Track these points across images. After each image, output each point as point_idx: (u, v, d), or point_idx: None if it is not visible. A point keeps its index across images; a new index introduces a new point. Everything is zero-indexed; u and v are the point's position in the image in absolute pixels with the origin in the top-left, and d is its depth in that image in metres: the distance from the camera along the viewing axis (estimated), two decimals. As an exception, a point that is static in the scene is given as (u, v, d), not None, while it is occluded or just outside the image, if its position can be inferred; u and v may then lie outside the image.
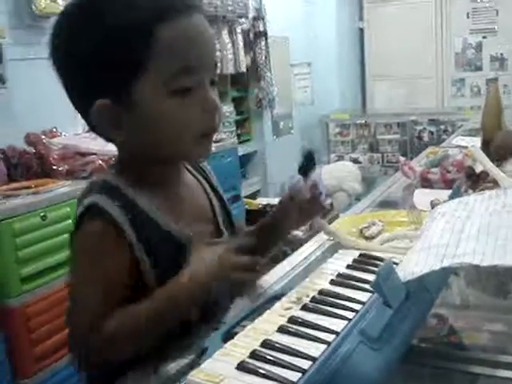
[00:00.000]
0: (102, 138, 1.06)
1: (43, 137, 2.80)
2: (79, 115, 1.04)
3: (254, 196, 4.81)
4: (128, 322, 0.96)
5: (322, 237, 1.49)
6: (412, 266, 0.75)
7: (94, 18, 0.94)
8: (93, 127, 1.03)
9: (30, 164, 2.71)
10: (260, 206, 4.31)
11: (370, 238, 1.39)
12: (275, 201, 4.39)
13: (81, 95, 0.99)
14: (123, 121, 0.97)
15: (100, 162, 2.65)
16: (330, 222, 1.48)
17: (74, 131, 2.87)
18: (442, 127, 5.96)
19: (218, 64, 0.96)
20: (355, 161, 6.14)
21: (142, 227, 0.99)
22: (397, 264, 0.80)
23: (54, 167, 2.68)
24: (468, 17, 6.34)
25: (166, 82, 0.95)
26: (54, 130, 2.93)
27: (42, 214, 2.36)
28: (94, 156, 2.69)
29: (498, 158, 1.71)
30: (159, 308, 0.96)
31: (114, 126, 0.98)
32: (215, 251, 0.99)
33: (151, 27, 0.92)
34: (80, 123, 0.93)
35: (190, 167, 1.17)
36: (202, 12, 1.00)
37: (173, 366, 0.93)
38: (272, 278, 1.25)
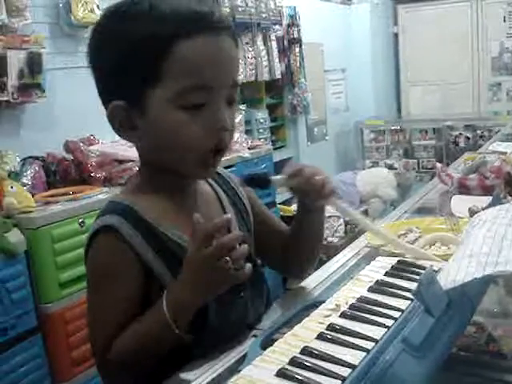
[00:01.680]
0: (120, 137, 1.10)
1: (81, 144, 2.85)
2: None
3: (288, 202, 4.81)
4: (127, 348, 0.99)
5: (358, 243, 1.49)
6: (453, 274, 0.74)
7: (122, 25, 0.99)
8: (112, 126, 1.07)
9: (69, 171, 2.75)
10: (294, 212, 4.29)
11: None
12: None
13: (105, 96, 1.04)
14: (137, 122, 1.01)
15: (137, 168, 2.67)
16: (364, 230, 1.47)
17: (111, 138, 2.90)
18: (479, 132, 5.88)
19: (239, 83, 0.98)
20: (390, 167, 6.10)
21: (158, 245, 1.02)
22: (437, 272, 0.79)
23: (92, 174, 2.72)
24: (505, 20, 6.26)
25: (176, 95, 0.97)
26: (92, 137, 2.98)
27: (80, 221, 2.39)
28: (131, 163, 2.72)
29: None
30: (151, 334, 0.98)
31: (128, 127, 1.02)
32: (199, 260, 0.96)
33: (170, 42, 0.95)
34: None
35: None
36: (231, 32, 1.03)
37: (211, 373, 0.94)
38: (310, 285, 1.26)
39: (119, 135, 1.06)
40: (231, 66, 1.04)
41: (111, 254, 1.02)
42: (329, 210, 4.20)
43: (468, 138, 5.94)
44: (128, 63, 0.97)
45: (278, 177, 1.11)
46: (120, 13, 1.00)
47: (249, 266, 0.95)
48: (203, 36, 0.97)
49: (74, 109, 2.90)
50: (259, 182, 1.07)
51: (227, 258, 0.91)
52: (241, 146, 3.49)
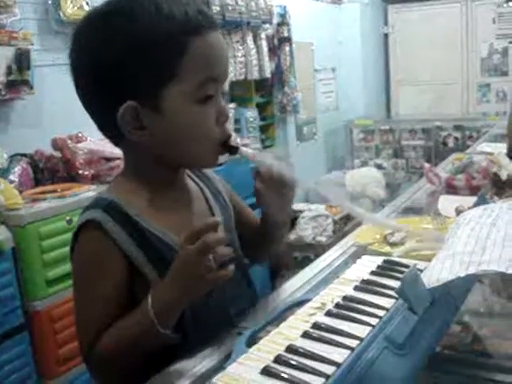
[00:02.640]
0: (110, 141, 1.12)
1: (69, 141, 2.83)
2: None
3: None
4: (112, 345, 0.99)
5: (345, 242, 1.49)
6: (437, 272, 0.75)
7: (130, 24, 0.98)
8: (102, 129, 1.08)
9: (57, 168, 2.74)
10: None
11: (393, 245, 1.39)
12: (299, 206, 4.39)
13: (107, 99, 1.02)
14: (148, 122, 1.01)
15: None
16: (353, 229, 1.47)
17: (99, 136, 2.88)
18: (467, 133, 5.90)
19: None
20: (379, 167, 6.11)
21: (140, 238, 1.03)
22: (421, 271, 0.80)
23: (80, 171, 2.71)
24: (494, 22, 6.28)
25: (193, 89, 1.00)
26: (80, 134, 2.96)
27: (67, 218, 2.38)
28: (118, 161, 2.71)
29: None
30: (136, 332, 0.98)
31: (138, 127, 1.02)
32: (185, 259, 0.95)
33: (186, 41, 0.98)
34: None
35: (191, 174, 1.21)
36: (218, 28, 1.07)
37: (196, 370, 0.94)
38: (296, 284, 1.26)
39: (127, 136, 1.04)
40: (228, 60, 1.11)
41: (95, 249, 1.02)
42: (316, 209, 4.19)
43: (457, 139, 5.97)
44: (141, 63, 0.98)
45: (249, 150, 1.12)
46: (121, 14, 1.00)
47: (232, 267, 0.94)
48: (209, 32, 1.01)
49: (62, 106, 2.88)
50: (230, 147, 1.09)
51: (210, 257, 0.91)
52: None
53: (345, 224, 4.03)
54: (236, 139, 1.16)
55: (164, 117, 1.01)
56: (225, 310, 1.11)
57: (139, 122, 1.01)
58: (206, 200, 1.20)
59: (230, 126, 1.09)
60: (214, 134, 1.05)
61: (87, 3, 3.02)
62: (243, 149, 1.10)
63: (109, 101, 1.01)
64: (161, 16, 0.98)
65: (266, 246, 1.32)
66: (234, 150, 1.08)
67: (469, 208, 1.06)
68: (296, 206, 4.41)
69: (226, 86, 3.50)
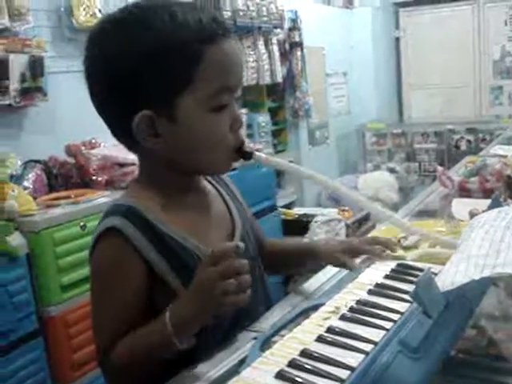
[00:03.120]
0: (125, 147, 1.12)
1: (83, 148, 2.85)
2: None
3: (289, 206, 4.81)
4: (127, 353, 0.99)
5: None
6: (451, 276, 0.74)
7: (145, 33, 0.99)
8: (117, 136, 1.09)
9: (70, 174, 2.76)
10: (296, 215, 4.30)
11: (407, 249, 1.38)
12: (312, 210, 4.39)
13: (123, 107, 1.02)
14: (162, 129, 1.02)
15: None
16: (366, 233, 1.47)
17: (112, 142, 2.90)
18: (480, 136, 5.87)
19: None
20: (392, 170, 6.09)
21: (161, 245, 1.03)
22: (435, 274, 0.79)
23: (94, 177, 2.73)
24: (506, 24, 6.25)
25: (208, 98, 1.01)
26: (94, 140, 2.98)
27: (81, 224, 2.39)
28: (132, 166, 2.72)
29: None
30: (151, 343, 0.97)
31: (153, 135, 1.02)
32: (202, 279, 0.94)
33: (201, 49, 0.99)
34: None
35: (209, 177, 1.22)
36: (233, 36, 1.08)
37: (211, 375, 0.94)
38: (310, 288, 1.26)
39: (142, 143, 1.05)
40: (242, 67, 1.12)
41: (115, 254, 1.03)
42: (329, 213, 4.18)
43: (469, 142, 5.94)
44: (157, 72, 0.98)
45: (263, 155, 1.13)
46: (137, 22, 1.00)
47: (249, 293, 0.93)
48: (224, 40, 1.02)
49: (75, 112, 2.90)
50: (244, 153, 1.09)
51: (232, 281, 0.90)
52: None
53: (357, 228, 4.02)
54: (249, 145, 1.16)
55: (179, 125, 1.01)
56: (241, 312, 1.11)
57: (154, 130, 1.02)
58: (225, 203, 1.21)
59: (242, 131, 1.09)
60: (228, 141, 1.05)
61: (100, 10, 3.04)
62: (257, 153, 1.10)
63: (124, 109, 1.02)
64: (175, 24, 0.98)
65: (288, 270, 1.38)
66: (248, 155, 1.09)
67: (483, 211, 1.06)
68: (308, 211, 4.41)
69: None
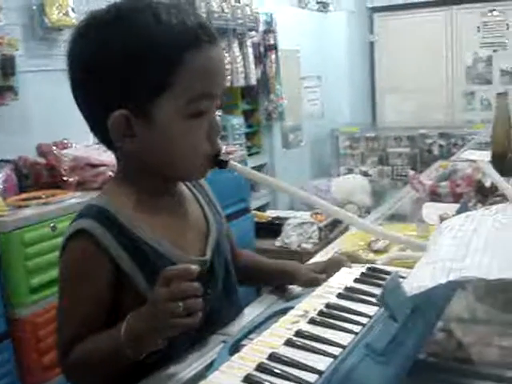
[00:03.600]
0: (103, 145, 1.10)
1: (54, 148, 2.82)
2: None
3: (263, 208, 4.81)
4: (85, 357, 0.99)
5: (330, 250, 1.49)
6: (418, 279, 0.75)
7: (126, 33, 0.98)
8: (96, 133, 1.07)
9: (41, 175, 2.73)
10: (269, 218, 4.31)
11: (377, 252, 1.39)
12: (284, 213, 4.39)
13: (100, 104, 1.02)
14: (138, 131, 1.01)
15: (110, 173, 2.65)
16: (338, 236, 1.48)
17: (84, 143, 2.88)
18: (452, 141, 5.94)
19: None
20: (365, 174, 6.13)
21: (132, 248, 1.02)
22: (403, 278, 0.80)
23: (65, 178, 2.70)
24: (478, 30, 6.33)
25: (186, 103, 1.00)
26: (65, 141, 2.95)
27: (51, 225, 2.36)
28: (104, 167, 2.70)
29: None
30: (107, 350, 0.96)
31: (127, 135, 1.02)
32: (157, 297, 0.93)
33: (182, 53, 0.98)
34: (91, 135, 0.95)
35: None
36: (219, 43, 1.06)
37: (179, 378, 0.93)
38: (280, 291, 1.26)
39: (116, 143, 1.05)
40: (225, 74, 1.11)
41: (82, 256, 1.02)
42: (302, 216, 4.18)
43: (442, 146, 6.00)
44: (135, 73, 0.98)
45: (238, 164, 1.13)
46: (120, 22, 1.00)
47: (199, 315, 0.91)
48: (207, 46, 1.01)
49: (47, 112, 2.88)
50: (220, 161, 1.09)
51: (180, 304, 0.89)
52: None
53: (330, 231, 4.03)
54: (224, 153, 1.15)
55: (154, 127, 1.01)
56: (210, 316, 1.11)
57: (130, 130, 1.01)
58: (200, 207, 1.20)
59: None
60: (204, 148, 1.05)
61: (73, 9, 3.01)
62: (232, 163, 1.09)
63: (101, 106, 1.01)
64: (158, 26, 0.98)
65: (255, 285, 1.38)
66: (223, 164, 1.08)
67: (453, 215, 1.07)
68: (281, 214, 4.42)
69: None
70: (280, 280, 1.29)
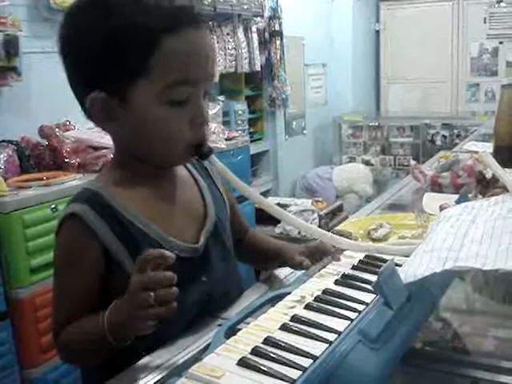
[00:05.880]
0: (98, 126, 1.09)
1: (57, 130, 2.82)
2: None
3: (264, 195, 4.82)
4: (73, 339, 1.01)
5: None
6: (414, 268, 0.75)
7: (105, 15, 0.97)
8: (89, 116, 1.06)
9: (43, 156, 2.73)
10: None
11: (377, 240, 1.39)
12: (285, 200, 4.40)
13: (82, 85, 1.02)
14: (117, 114, 1.01)
15: (111, 155, 2.65)
16: (338, 223, 1.48)
17: (86, 125, 2.88)
18: (456, 132, 5.94)
19: (216, 76, 0.99)
20: (367, 163, 6.14)
21: (122, 231, 1.02)
22: (400, 266, 0.80)
23: (66, 160, 2.70)
24: (485, 22, 6.30)
25: (162, 91, 0.98)
26: (68, 123, 2.95)
27: (52, 206, 2.37)
28: (106, 150, 2.70)
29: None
30: (92, 334, 0.97)
31: (107, 118, 1.01)
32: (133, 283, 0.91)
33: (158, 37, 0.95)
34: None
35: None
36: (207, 26, 1.04)
37: (175, 361, 0.94)
38: (279, 277, 1.27)
39: (97, 125, 1.05)
40: (211, 58, 1.04)
41: (73, 240, 1.02)
42: (302, 204, 4.18)
43: (445, 137, 6.00)
44: (112, 55, 0.96)
45: (219, 162, 1.09)
46: (102, 2, 0.98)
47: (174, 306, 0.89)
48: (188, 30, 0.97)
49: (50, 93, 2.87)
50: (202, 153, 1.06)
51: (151, 294, 0.87)
52: (218, 137, 3.48)
53: (330, 219, 4.04)
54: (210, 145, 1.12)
55: (132, 112, 1.00)
56: (210, 296, 1.11)
57: (109, 112, 1.00)
58: (199, 190, 1.19)
59: (206, 128, 1.06)
60: (185, 136, 1.02)
61: (77, -9, 2.99)
62: (214, 158, 1.07)
63: (83, 88, 1.01)
64: (136, 9, 0.95)
65: (257, 263, 1.44)
66: (204, 156, 1.06)
67: (452, 206, 1.07)
68: (282, 201, 4.42)
69: (215, 79, 3.49)
70: (273, 261, 1.29)
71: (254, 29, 4.59)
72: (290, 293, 0.90)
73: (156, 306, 0.88)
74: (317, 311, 0.81)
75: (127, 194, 1.06)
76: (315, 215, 3.96)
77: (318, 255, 1.17)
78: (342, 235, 1.18)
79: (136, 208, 1.05)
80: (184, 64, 0.98)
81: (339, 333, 0.73)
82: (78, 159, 2.71)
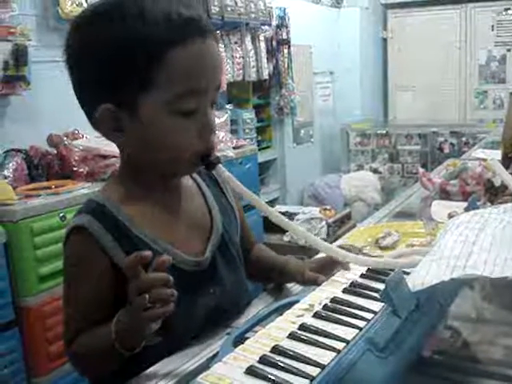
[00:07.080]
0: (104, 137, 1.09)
1: (65, 138, 2.83)
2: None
3: (272, 203, 4.82)
4: (85, 350, 1.01)
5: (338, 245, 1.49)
6: (422, 276, 0.75)
7: (112, 28, 0.97)
8: (96, 127, 1.06)
9: (51, 165, 2.74)
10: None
11: (385, 249, 1.39)
12: (293, 208, 4.39)
13: (89, 97, 1.03)
14: (125, 125, 1.01)
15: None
16: (347, 232, 1.48)
17: (95, 134, 2.88)
18: (464, 139, 5.92)
19: (223, 84, 1.00)
20: (375, 171, 6.13)
21: (128, 244, 1.02)
22: (408, 274, 0.80)
23: (75, 169, 2.71)
24: (493, 29, 6.30)
25: (170, 101, 0.98)
26: (76, 131, 2.96)
27: (61, 215, 2.38)
28: (114, 158, 2.71)
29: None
30: (103, 343, 0.96)
31: (115, 129, 1.01)
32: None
33: (165, 49, 0.95)
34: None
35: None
36: (215, 35, 1.03)
37: (183, 369, 0.94)
38: (287, 285, 1.26)
39: (105, 136, 1.05)
40: (219, 69, 1.05)
41: (80, 252, 1.03)
42: (310, 212, 4.17)
43: (453, 145, 5.99)
44: (120, 68, 0.96)
45: (227, 172, 1.09)
46: (108, 14, 0.98)
47: (171, 306, 0.90)
48: (194, 41, 0.97)
49: (58, 102, 2.87)
50: (209, 163, 1.05)
51: (146, 296, 0.87)
52: (226, 145, 3.48)
53: (338, 227, 4.03)
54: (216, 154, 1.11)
55: (140, 123, 0.99)
56: (218, 308, 1.11)
57: (117, 124, 1.01)
58: (205, 202, 1.18)
59: (214, 137, 1.05)
60: (193, 147, 1.02)
61: (86, 0, 3.01)
62: (221, 167, 1.07)
63: (91, 100, 1.01)
64: (143, 21, 0.95)
65: (261, 281, 1.41)
66: (211, 166, 1.05)
67: (461, 213, 1.06)
68: (290, 209, 4.42)
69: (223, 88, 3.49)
70: (278, 279, 1.28)
71: (261, 37, 4.60)
72: (298, 301, 0.90)
73: (154, 307, 0.88)
74: (325, 320, 0.81)
75: (131, 205, 1.06)
76: (323, 223, 3.96)
77: (329, 268, 1.15)
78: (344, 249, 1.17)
79: (140, 220, 1.05)
80: (191, 75, 0.98)
81: (347, 341, 0.73)
82: (86, 168, 2.72)
